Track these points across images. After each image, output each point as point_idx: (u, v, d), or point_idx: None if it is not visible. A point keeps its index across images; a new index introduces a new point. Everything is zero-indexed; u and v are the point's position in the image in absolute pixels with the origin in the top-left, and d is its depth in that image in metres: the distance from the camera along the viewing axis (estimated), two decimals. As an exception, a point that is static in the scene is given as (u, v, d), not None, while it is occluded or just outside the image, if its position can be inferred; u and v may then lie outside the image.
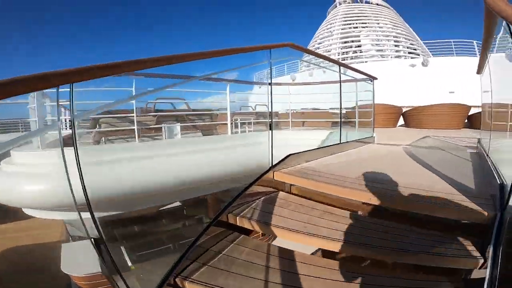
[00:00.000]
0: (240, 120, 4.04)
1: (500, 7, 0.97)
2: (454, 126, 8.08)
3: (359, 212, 1.50)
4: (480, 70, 2.79)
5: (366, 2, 15.73)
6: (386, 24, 13.99)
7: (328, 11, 17.01)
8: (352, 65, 11.50)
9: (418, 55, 11.52)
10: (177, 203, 3.62)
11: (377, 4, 15.54)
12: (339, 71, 2.73)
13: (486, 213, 1.10)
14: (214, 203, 3.37)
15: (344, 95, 2.83)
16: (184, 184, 2.21)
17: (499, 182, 1.27)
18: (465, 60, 10.16)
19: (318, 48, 15.22)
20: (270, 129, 1.81)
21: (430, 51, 11.07)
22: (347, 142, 2.98)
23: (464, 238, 1.10)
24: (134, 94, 2.49)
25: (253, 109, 6.43)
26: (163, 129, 2.92)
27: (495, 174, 1.45)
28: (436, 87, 9.90)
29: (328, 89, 3.32)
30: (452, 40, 10.36)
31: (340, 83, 2.72)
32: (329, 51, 14.32)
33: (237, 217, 1.37)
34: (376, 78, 3.58)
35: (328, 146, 2.64)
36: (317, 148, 2.54)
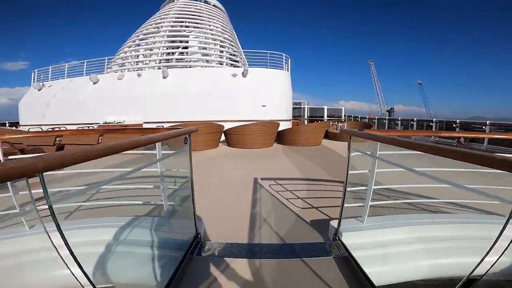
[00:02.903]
0: None
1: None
2: (268, 144, 8.46)
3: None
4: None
5: (205, 2, 14.66)
6: (217, 27, 13.57)
7: (163, 5, 14.81)
8: (174, 69, 9.97)
9: (238, 64, 11.76)
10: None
11: (214, 6, 14.86)
12: None
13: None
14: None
15: None
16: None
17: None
18: (276, 73, 11.18)
19: (139, 44, 12.84)
20: None
21: (248, 61, 11.56)
22: None
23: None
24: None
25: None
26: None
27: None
28: (253, 99, 10.30)
29: None
30: (268, 52, 11.08)
31: None
32: (151, 50, 12.33)
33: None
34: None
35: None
36: None
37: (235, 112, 10.08)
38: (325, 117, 20.73)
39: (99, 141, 7.56)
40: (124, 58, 12.80)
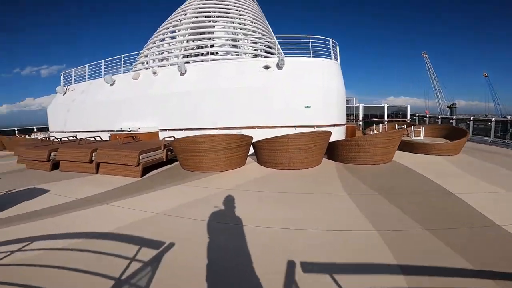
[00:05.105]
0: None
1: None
2: (314, 163, 5.95)
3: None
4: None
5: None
6: (247, 13, 11.41)
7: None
8: (194, 64, 7.97)
9: (274, 54, 9.33)
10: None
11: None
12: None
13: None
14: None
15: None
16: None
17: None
18: (322, 63, 8.51)
19: (164, 39, 11.23)
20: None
21: (283, 50, 9.01)
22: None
23: None
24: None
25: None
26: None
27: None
28: (292, 97, 7.80)
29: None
30: (310, 36, 8.45)
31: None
32: (173, 44, 10.59)
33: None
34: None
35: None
36: None
37: (268, 115, 7.75)
38: (385, 118, 16.56)
39: (92, 158, 5.90)
40: (147, 55, 11.35)
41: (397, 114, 16.95)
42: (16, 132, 16.35)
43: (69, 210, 3.51)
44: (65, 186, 4.82)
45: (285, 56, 8.13)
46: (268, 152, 5.68)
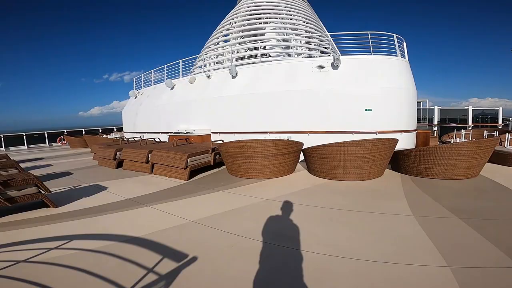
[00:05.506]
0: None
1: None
2: (375, 174, 5.12)
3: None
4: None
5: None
6: (298, 19, 11.02)
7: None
8: (245, 67, 7.89)
9: (329, 54, 8.58)
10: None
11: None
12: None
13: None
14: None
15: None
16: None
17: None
18: (386, 61, 7.44)
19: (218, 43, 11.55)
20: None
21: (338, 48, 8.14)
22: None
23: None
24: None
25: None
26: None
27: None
28: (350, 100, 6.96)
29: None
30: (368, 33, 7.51)
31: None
32: (226, 48, 10.75)
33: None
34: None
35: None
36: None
37: (322, 119, 7.10)
38: (470, 122, 13.72)
39: (148, 159, 6.25)
40: (204, 59, 11.86)
41: (484, 118, 13.88)
42: (100, 131, 19.04)
43: (114, 210, 3.66)
44: (120, 185, 5.16)
45: (341, 55, 7.34)
46: (320, 161, 5.10)
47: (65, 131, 17.82)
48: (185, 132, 9.28)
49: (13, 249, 2.55)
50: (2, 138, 14.88)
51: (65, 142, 15.77)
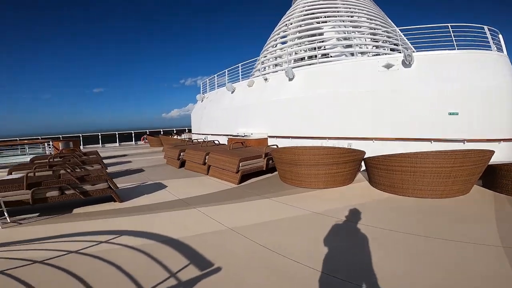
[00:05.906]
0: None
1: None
2: (459, 191, 4.17)
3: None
4: None
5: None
6: (360, 16, 10.14)
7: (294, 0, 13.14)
8: (302, 68, 7.60)
9: (399, 51, 7.46)
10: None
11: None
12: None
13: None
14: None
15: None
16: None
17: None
18: (473, 56, 6.06)
19: (276, 45, 11.48)
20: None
21: (411, 44, 6.98)
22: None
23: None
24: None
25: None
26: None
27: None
28: (427, 102, 5.87)
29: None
30: (449, 25, 6.29)
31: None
32: (283, 50, 10.54)
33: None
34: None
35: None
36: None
37: (390, 124, 6.21)
38: None
39: (205, 161, 6.59)
40: (263, 62, 12.00)
41: None
42: (174, 132, 21.33)
43: (164, 210, 3.95)
44: (178, 184, 5.57)
45: (415, 51, 6.29)
46: (385, 173, 4.45)
47: (147, 131, 20.65)
48: (243, 135, 9.50)
49: (72, 239, 2.97)
50: (100, 136, 18.09)
51: (147, 141, 18.26)
